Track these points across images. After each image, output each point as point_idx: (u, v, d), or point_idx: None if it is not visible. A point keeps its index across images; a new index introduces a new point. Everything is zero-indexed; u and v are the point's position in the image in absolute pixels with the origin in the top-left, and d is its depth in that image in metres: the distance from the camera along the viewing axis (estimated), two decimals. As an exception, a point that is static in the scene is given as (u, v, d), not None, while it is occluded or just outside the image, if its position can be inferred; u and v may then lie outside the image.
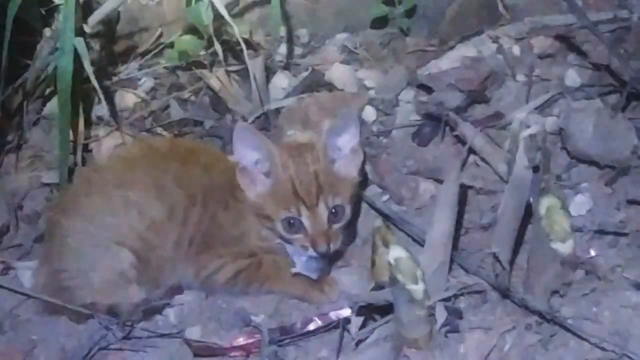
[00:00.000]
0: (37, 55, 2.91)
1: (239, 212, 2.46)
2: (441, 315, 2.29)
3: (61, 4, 2.83)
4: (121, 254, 2.44)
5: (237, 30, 2.86)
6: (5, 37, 2.72)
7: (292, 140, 2.69)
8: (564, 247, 2.25)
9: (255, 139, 2.39)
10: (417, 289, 2.19)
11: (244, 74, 3.02)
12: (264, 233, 2.46)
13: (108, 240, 2.44)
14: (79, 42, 2.76)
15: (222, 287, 2.49)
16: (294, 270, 2.46)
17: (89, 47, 2.85)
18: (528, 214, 2.42)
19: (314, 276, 2.47)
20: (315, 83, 3.02)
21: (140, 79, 3.12)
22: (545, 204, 2.25)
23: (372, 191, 2.70)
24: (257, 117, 2.94)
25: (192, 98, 3.06)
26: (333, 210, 2.41)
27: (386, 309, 2.31)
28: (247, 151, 2.40)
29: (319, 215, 2.39)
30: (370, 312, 2.35)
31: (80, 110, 2.91)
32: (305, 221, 2.40)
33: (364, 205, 2.66)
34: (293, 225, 2.40)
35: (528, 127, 2.58)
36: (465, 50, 3.00)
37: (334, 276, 2.51)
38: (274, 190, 2.41)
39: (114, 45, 3.12)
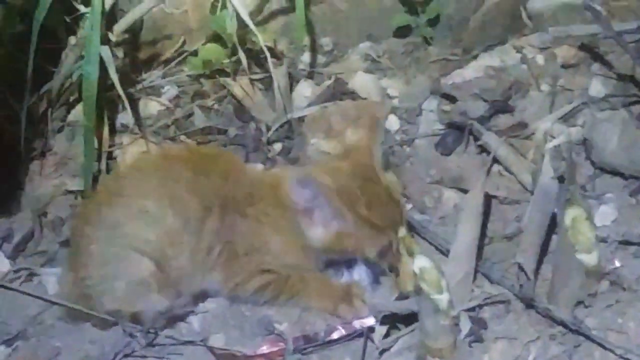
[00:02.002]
0: (62, 63, 2.92)
1: (259, 222, 2.44)
2: (465, 325, 2.29)
3: (86, 13, 2.84)
4: (141, 262, 2.42)
5: (261, 38, 2.88)
6: (31, 45, 2.74)
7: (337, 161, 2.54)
8: (589, 258, 2.25)
9: (317, 186, 2.33)
10: (442, 298, 2.18)
11: (267, 82, 3.03)
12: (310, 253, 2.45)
13: (128, 249, 2.43)
14: (105, 51, 2.77)
15: (250, 297, 2.48)
16: (346, 279, 2.48)
17: (113, 55, 2.86)
18: (552, 224, 2.42)
19: (369, 288, 2.48)
20: (339, 92, 3.02)
21: (164, 87, 3.13)
22: (571, 214, 2.25)
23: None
24: (281, 126, 2.95)
25: (216, 106, 3.06)
26: None
27: (410, 319, 2.31)
28: (309, 196, 2.35)
29: (403, 233, 2.41)
30: (394, 321, 2.35)
31: (105, 118, 2.92)
32: (395, 244, 2.40)
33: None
34: (386, 253, 2.41)
35: (553, 137, 2.58)
36: (489, 60, 3.00)
37: (363, 288, 2.49)
38: (353, 231, 2.37)
39: (138, 53, 3.14)
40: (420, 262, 2.20)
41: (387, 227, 2.39)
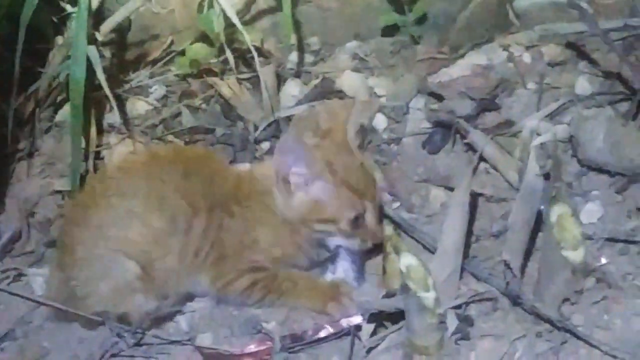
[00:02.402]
0: (49, 63, 2.93)
1: (246, 220, 2.45)
2: (452, 322, 2.30)
3: (73, 12, 2.85)
4: (126, 264, 2.42)
5: (248, 38, 2.88)
6: (17, 45, 2.73)
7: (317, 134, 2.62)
8: (575, 255, 2.26)
9: (294, 147, 2.37)
10: (428, 296, 2.19)
11: (255, 81, 3.03)
12: (298, 239, 2.45)
13: (114, 251, 2.42)
14: (92, 50, 2.78)
15: (238, 297, 2.48)
16: (331, 276, 2.48)
17: (100, 55, 2.87)
18: (539, 221, 2.42)
19: (354, 283, 2.48)
20: (326, 91, 3.02)
21: (151, 87, 3.13)
22: (557, 211, 2.26)
23: (382, 199, 2.70)
24: (268, 125, 2.94)
25: (203, 106, 3.06)
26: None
27: (397, 317, 2.32)
28: (289, 161, 2.38)
29: (377, 206, 2.43)
30: (381, 319, 2.35)
31: (92, 118, 2.93)
32: (368, 215, 2.42)
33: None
34: (358, 222, 2.42)
35: (539, 135, 2.58)
36: (476, 58, 3.00)
37: (350, 286, 2.49)
38: (331, 193, 2.40)
39: (125, 53, 3.14)
40: (407, 260, 2.21)
41: (362, 194, 2.41)
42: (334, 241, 2.46)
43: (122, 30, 3.07)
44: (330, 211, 2.41)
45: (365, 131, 2.69)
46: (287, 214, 2.43)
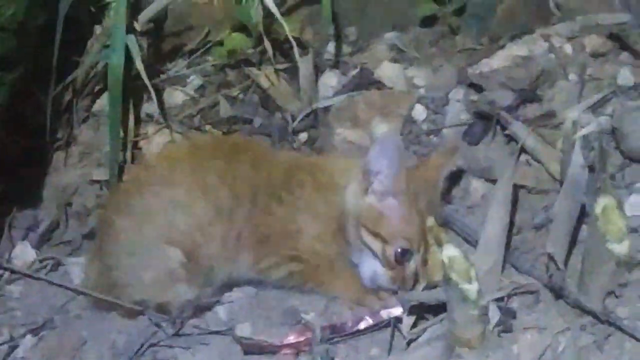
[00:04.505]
0: (87, 52, 2.92)
1: (294, 207, 2.44)
2: (494, 315, 2.27)
3: (111, 2, 2.84)
4: (171, 253, 2.43)
5: (287, 28, 2.86)
6: (56, 35, 2.73)
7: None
8: (620, 248, 2.22)
9: (395, 155, 2.34)
10: (471, 288, 2.16)
11: (292, 72, 3.02)
12: (340, 240, 2.43)
13: (158, 239, 2.43)
14: (131, 40, 2.77)
15: (277, 281, 2.48)
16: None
17: (138, 45, 2.86)
18: (582, 214, 2.40)
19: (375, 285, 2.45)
20: (365, 81, 3.01)
21: (188, 77, 3.13)
22: (601, 203, 2.22)
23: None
24: (306, 115, 2.94)
25: (241, 96, 3.06)
26: None
27: (438, 308, 2.29)
28: (382, 166, 2.36)
29: (424, 259, 2.39)
30: (422, 311, 2.33)
31: (130, 108, 2.93)
32: (414, 261, 2.38)
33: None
34: (403, 257, 2.38)
35: (582, 126, 2.56)
36: (516, 49, 2.98)
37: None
38: (400, 216, 2.37)
39: (162, 43, 3.13)
40: (449, 252, 2.18)
41: (423, 238, 2.38)
42: (368, 263, 2.41)
43: (159, 20, 3.06)
44: (388, 231, 2.38)
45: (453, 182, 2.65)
46: (351, 209, 2.40)
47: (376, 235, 2.38)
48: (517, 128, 2.74)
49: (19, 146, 2.88)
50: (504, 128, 2.77)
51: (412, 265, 2.38)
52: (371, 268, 2.41)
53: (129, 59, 2.78)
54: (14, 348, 2.48)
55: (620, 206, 2.25)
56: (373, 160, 2.36)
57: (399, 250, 2.37)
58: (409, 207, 2.37)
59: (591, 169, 2.44)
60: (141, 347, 2.41)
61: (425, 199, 2.40)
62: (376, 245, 2.39)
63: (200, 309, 2.47)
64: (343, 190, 2.42)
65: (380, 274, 2.40)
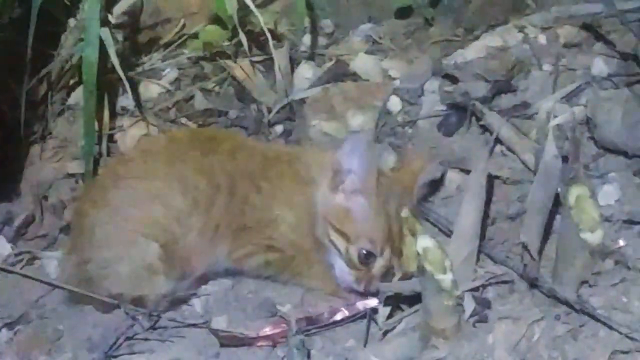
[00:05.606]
0: (61, 45, 2.92)
1: (273, 198, 2.44)
2: (469, 305, 2.28)
3: (86, -5, 2.83)
4: (148, 246, 2.42)
5: (262, 20, 2.85)
6: (30, 28, 2.72)
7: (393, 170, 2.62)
8: (593, 237, 2.23)
9: (366, 154, 2.34)
10: (446, 278, 2.17)
11: (268, 64, 3.03)
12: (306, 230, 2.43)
13: (135, 233, 2.43)
14: (105, 32, 2.76)
15: (253, 271, 2.48)
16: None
17: (112, 38, 2.85)
18: (556, 203, 2.41)
19: (343, 285, 2.45)
20: (340, 73, 3.01)
21: (164, 70, 3.12)
22: (575, 193, 2.23)
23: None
24: (282, 108, 2.94)
25: (217, 88, 3.06)
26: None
27: (414, 299, 2.30)
28: (354, 165, 2.35)
29: (390, 263, 2.38)
30: (397, 302, 2.34)
31: (105, 101, 2.92)
32: (378, 263, 2.38)
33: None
34: (367, 259, 2.37)
35: (556, 116, 2.57)
36: (491, 40, 2.99)
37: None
38: (366, 216, 2.37)
39: (137, 36, 3.13)
40: (424, 242, 2.19)
41: (389, 240, 2.37)
42: (335, 260, 2.41)
43: (134, 12, 3.06)
44: (353, 229, 2.37)
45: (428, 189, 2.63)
46: (320, 206, 2.40)
47: (341, 233, 2.38)
48: (492, 118, 2.75)
49: (-7, 140, 2.87)
50: (478, 119, 2.78)
51: (378, 266, 2.38)
52: (338, 267, 2.41)
53: (103, 52, 2.77)
54: (-11, 342, 2.47)
55: (593, 196, 2.26)
56: (344, 159, 2.36)
57: (364, 251, 2.37)
58: (377, 208, 2.36)
59: (565, 158, 2.45)
60: (117, 340, 2.40)
61: (397, 203, 2.39)
62: (340, 243, 2.39)
63: (177, 302, 2.47)
64: (317, 184, 2.42)
65: (345, 273, 2.40)
